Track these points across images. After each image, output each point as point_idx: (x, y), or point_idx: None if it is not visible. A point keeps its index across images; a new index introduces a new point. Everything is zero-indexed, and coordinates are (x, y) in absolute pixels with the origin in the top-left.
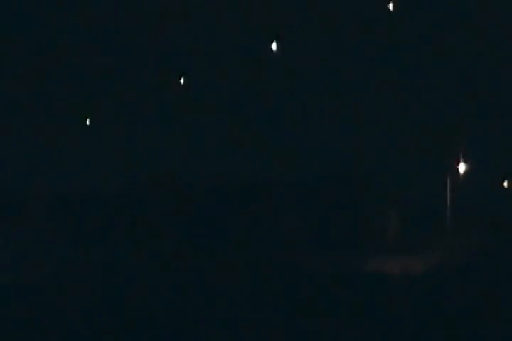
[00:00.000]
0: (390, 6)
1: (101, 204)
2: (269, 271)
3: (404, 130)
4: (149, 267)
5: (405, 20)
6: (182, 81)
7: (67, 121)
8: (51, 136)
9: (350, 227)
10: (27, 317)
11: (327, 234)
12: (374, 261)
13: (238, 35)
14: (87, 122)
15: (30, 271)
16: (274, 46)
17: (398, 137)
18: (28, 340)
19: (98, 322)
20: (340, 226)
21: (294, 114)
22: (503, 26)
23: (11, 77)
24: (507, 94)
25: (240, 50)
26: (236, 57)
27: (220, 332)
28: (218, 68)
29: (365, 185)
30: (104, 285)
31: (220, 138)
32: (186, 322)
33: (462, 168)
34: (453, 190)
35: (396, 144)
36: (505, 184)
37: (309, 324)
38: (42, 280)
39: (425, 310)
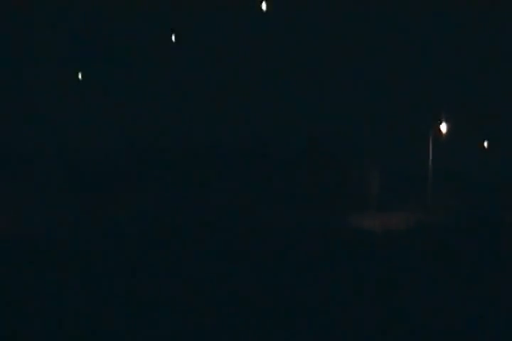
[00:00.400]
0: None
1: (99, 163)
2: (256, 228)
3: (387, 91)
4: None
5: None
6: (173, 38)
7: (65, 79)
8: (49, 95)
9: (334, 185)
10: (27, 273)
11: (311, 191)
12: (356, 219)
13: None
14: (79, 76)
15: (31, 227)
16: (263, 6)
17: (381, 98)
18: (29, 296)
19: (97, 278)
20: (323, 184)
21: (282, 79)
22: None
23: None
24: (488, 55)
25: (231, 8)
26: (227, 16)
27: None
28: (210, 28)
29: (349, 145)
30: (103, 244)
31: (210, 103)
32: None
33: (444, 128)
34: (434, 150)
35: (378, 105)
36: (486, 144)
37: (293, 281)
38: (42, 235)
39: (407, 266)
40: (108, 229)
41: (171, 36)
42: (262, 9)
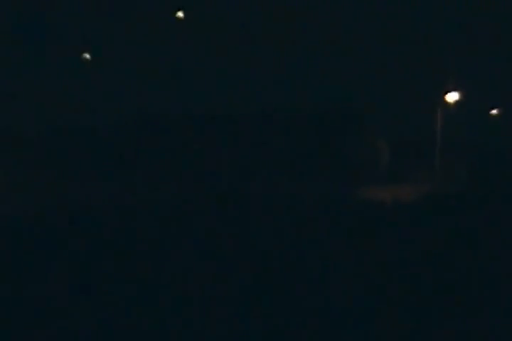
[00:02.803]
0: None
1: (99, 139)
2: (260, 202)
3: (393, 60)
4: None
5: None
6: (181, 14)
7: (66, 55)
8: (51, 69)
9: (342, 157)
10: (25, 250)
11: (319, 164)
12: (365, 190)
13: None
14: (87, 56)
15: (28, 204)
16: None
17: (388, 67)
18: (24, 271)
19: (93, 255)
20: (331, 157)
21: (288, 47)
22: None
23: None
24: (496, 24)
25: None
26: None
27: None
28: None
29: (356, 116)
30: (100, 222)
31: (216, 68)
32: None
33: (451, 98)
34: (442, 120)
35: (385, 75)
36: (494, 111)
37: (301, 255)
38: (40, 213)
39: (417, 237)
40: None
41: (178, 11)
42: None
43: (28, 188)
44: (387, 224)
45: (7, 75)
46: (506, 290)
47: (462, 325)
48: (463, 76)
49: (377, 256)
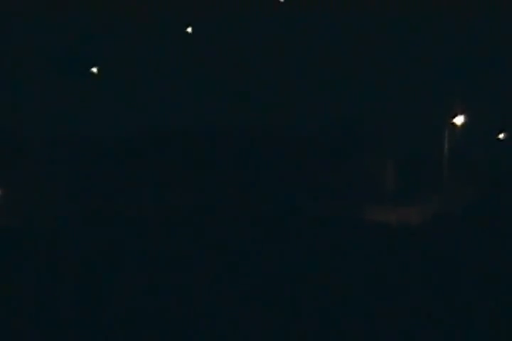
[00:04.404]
0: None
1: (103, 150)
2: (268, 220)
3: (403, 82)
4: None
5: None
6: (190, 30)
7: (73, 68)
8: (58, 83)
9: (349, 177)
10: (27, 262)
11: (326, 183)
12: (372, 210)
13: None
14: (95, 70)
15: (32, 215)
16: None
17: (397, 89)
18: (24, 281)
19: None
20: (339, 176)
21: (296, 65)
22: None
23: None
24: (504, 49)
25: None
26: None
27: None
28: (224, 18)
29: (364, 136)
30: (104, 233)
31: (225, 85)
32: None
33: (460, 119)
34: (450, 141)
35: (395, 96)
36: (502, 135)
37: (308, 274)
38: (43, 224)
39: (423, 259)
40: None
41: (187, 28)
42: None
43: (35, 198)
44: (392, 244)
45: (15, 86)
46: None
47: None
48: (471, 99)
49: (381, 276)
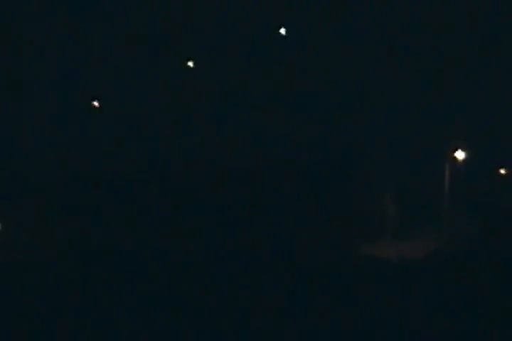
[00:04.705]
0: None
1: (104, 184)
2: (269, 254)
3: (403, 117)
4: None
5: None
6: (191, 64)
7: (74, 103)
8: (58, 117)
9: (349, 212)
10: (31, 294)
11: (326, 218)
12: (372, 245)
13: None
14: (96, 104)
15: (32, 250)
16: (282, 31)
17: (397, 124)
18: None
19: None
20: (339, 212)
21: (293, 99)
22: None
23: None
24: (505, 85)
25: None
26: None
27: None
28: (225, 52)
29: (365, 171)
30: (105, 265)
31: (219, 121)
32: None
33: (460, 155)
34: (451, 177)
35: (395, 131)
36: (502, 171)
37: (308, 307)
38: (45, 257)
39: (422, 294)
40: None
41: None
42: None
43: (37, 232)
44: (392, 279)
45: (15, 120)
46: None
47: None
48: (472, 133)
49: (381, 312)
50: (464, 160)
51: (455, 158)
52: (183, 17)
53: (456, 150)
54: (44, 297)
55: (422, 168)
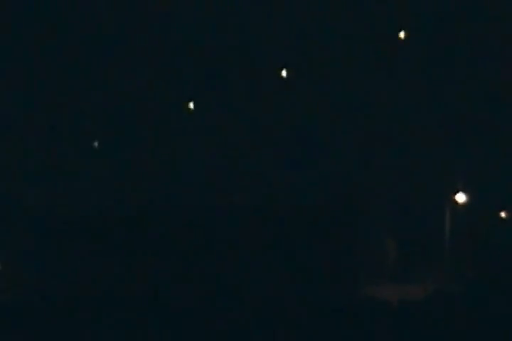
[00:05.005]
0: (401, 34)
1: (104, 227)
2: (268, 296)
3: (403, 161)
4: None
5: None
6: (191, 105)
7: (73, 142)
8: (59, 157)
9: (349, 254)
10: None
11: (326, 261)
12: (372, 288)
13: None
14: (95, 144)
15: (32, 290)
16: (284, 73)
17: (398, 168)
18: None
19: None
20: (338, 253)
21: (295, 139)
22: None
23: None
24: (506, 126)
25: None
26: (244, 84)
27: None
28: (227, 93)
29: (364, 215)
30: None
31: (222, 160)
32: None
33: (461, 198)
34: (451, 220)
35: (396, 174)
36: (503, 214)
37: None
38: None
39: (423, 338)
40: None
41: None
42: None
43: (33, 274)
44: (392, 324)
45: (14, 161)
46: None
47: None
48: (473, 177)
49: None
50: (465, 203)
51: (456, 200)
52: (182, 60)
53: (457, 192)
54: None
55: (423, 211)
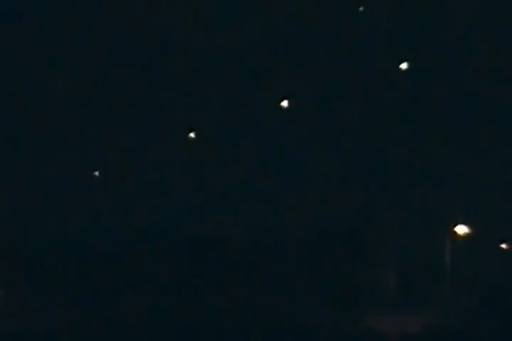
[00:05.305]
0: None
1: (103, 255)
2: (268, 327)
3: (404, 192)
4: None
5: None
6: (192, 135)
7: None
8: (59, 186)
9: (350, 286)
10: None
11: (327, 292)
12: (373, 320)
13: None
14: (96, 174)
15: (32, 318)
16: (285, 103)
17: (398, 199)
18: None
19: None
20: (339, 285)
21: (295, 172)
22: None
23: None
24: (505, 157)
25: (248, 106)
26: (244, 113)
27: None
28: (226, 123)
29: (364, 247)
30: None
31: (222, 194)
32: None
33: (461, 230)
34: (452, 252)
35: (396, 205)
36: (504, 246)
37: None
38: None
39: None
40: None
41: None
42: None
43: (34, 301)
44: None
45: (12, 188)
46: None
47: None
48: (473, 209)
49: None
50: (465, 235)
51: (456, 232)
52: (182, 90)
53: (457, 224)
54: None
55: (423, 243)
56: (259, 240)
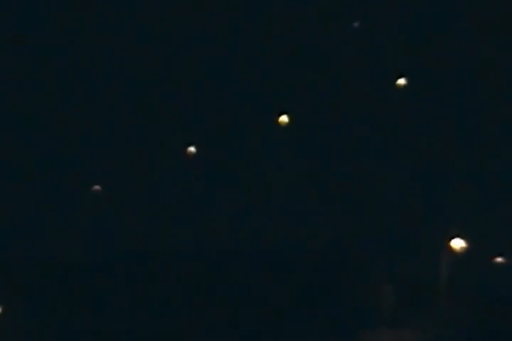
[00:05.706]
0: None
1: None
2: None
3: (400, 205)
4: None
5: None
6: (193, 149)
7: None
8: (57, 202)
9: (346, 299)
10: None
11: (324, 307)
12: (369, 333)
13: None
14: (98, 187)
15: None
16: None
17: (394, 214)
18: None
19: None
20: (335, 299)
21: (293, 185)
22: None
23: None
24: (501, 170)
25: (247, 121)
26: (242, 128)
27: None
28: (225, 138)
29: (360, 261)
30: None
31: (219, 206)
32: None
33: (457, 244)
34: (448, 265)
35: (393, 218)
36: (500, 260)
37: None
38: None
39: None
40: None
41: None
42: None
43: (30, 320)
44: None
45: (15, 203)
46: None
47: None
48: (470, 222)
49: None
50: (461, 249)
51: (452, 246)
52: (183, 103)
53: (453, 238)
54: None
55: (418, 257)
56: (258, 253)
